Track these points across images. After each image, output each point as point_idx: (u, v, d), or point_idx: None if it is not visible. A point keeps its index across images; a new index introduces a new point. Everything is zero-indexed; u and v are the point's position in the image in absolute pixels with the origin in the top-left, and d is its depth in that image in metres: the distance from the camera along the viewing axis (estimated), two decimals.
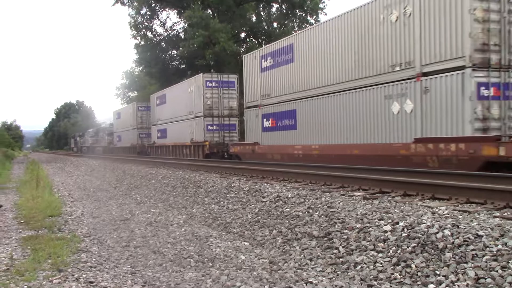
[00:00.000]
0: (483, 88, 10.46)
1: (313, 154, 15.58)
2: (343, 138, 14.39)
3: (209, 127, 24.74)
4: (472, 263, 4.23)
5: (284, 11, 42.56)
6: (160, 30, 44.51)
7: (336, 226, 6.14)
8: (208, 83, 24.64)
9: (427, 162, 11.11)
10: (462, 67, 10.43)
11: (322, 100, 15.39)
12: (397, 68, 12.33)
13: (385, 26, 12.69)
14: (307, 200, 7.71)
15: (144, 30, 43.19)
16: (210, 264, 5.68)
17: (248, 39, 44.00)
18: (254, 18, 42.10)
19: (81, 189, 15.67)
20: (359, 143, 13.59)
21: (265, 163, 15.45)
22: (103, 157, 37.28)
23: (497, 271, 3.97)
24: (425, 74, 11.42)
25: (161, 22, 44.32)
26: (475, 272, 4.05)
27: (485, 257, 4.22)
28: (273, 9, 43.76)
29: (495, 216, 5.53)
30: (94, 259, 5.96)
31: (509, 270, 3.93)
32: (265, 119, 19.23)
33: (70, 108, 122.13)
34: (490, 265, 4.08)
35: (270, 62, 18.98)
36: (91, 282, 4.89)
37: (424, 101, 11.45)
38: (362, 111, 13.52)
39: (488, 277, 3.93)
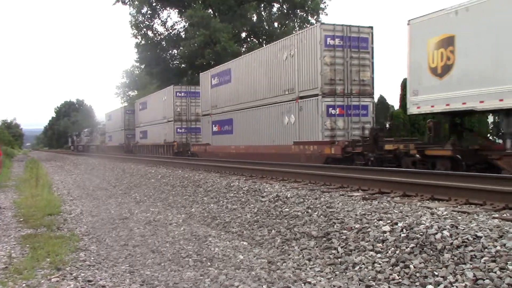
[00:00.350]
0: (331, 108, 15.70)
1: (241, 153, 20.72)
2: (257, 141, 19.67)
3: (178, 130, 29.75)
4: (471, 264, 4.22)
5: (285, 11, 42.59)
6: (161, 29, 44.45)
7: (335, 226, 6.13)
8: (178, 93, 29.87)
9: (300, 158, 16.14)
10: (317, 95, 15.70)
11: (247, 112, 20.64)
12: (287, 92, 17.49)
13: (280, 62, 17.92)
14: (306, 200, 7.70)
15: (145, 29, 43.21)
16: (209, 263, 5.67)
17: (249, 39, 44.03)
18: (255, 18, 42.09)
19: (80, 187, 15.66)
20: (265, 144, 18.99)
21: (264, 163, 15.85)
22: (101, 155, 37.56)
23: (495, 272, 3.97)
24: (301, 98, 16.66)
25: (162, 21, 44.28)
26: (474, 273, 4.05)
27: (484, 258, 4.22)
28: (274, 9, 43.85)
29: (494, 217, 5.53)
30: (92, 258, 5.96)
31: (508, 272, 3.93)
32: (213, 125, 24.32)
33: (70, 107, 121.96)
34: (489, 266, 4.08)
35: (217, 81, 24.11)
36: (89, 281, 4.89)
37: (300, 116, 16.71)
38: (268, 122, 18.86)
39: (487, 278, 3.93)
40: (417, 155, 12.42)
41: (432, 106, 12.06)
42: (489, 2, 10.73)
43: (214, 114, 24.22)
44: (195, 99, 29.05)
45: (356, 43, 16.05)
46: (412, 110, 12.81)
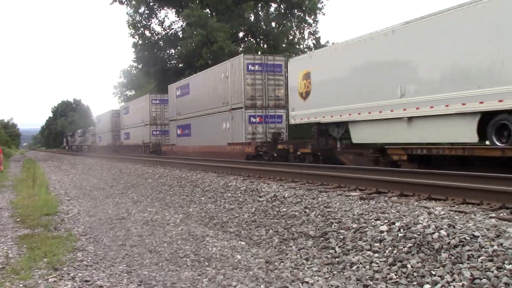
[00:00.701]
0: (252, 117, 20.86)
1: (197, 151, 25.67)
2: (206, 142, 24.78)
3: (153, 132, 34.93)
4: (468, 263, 4.23)
5: (283, 11, 42.60)
6: (158, 29, 44.42)
7: (333, 226, 6.14)
8: (153, 101, 34.95)
9: (234, 156, 20.69)
10: (242, 107, 20.88)
11: (200, 119, 25.75)
12: (224, 105, 22.51)
13: (220, 81, 23.08)
14: (303, 200, 7.71)
15: (142, 29, 43.21)
16: (207, 263, 5.67)
17: (246, 39, 44.02)
18: (252, 18, 42.08)
19: (77, 187, 15.64)
20: (211, 145, 24.09)
21: (263, 163, 16.17)
22: (97, 155, 37.82)
23: (492, 272, 3.97)
24: (233, 109, 21.66)
25: (159, 21, 44.32)
26: (471, 273, 4.05)
27: (481, 258, 4.23)
28: (272, 9, 43.82)
29: (491, 217, 5.55)
30: (90, 258, 5.95)
31: (505, 271, 3.94)
32: (178, 129, 29.56)
33: (67, 107, 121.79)
34: (486, 265, 4.09)
35: (180, 92, 29.41)
36: (86, 281, 4.88)
37: (232, 123, 21.76)
38: (213, 127, 23.78)
39: (484, 278, 3.93)
40: (297, 152, 17.30)
41: (301, 119, 17.63)
42: (323, 52, 18.55)
43: (178, 120, 29.45)
44: (167, 106, 33.18)
45: (272, 68, 21.20)
46: (291, 121, 18.62)
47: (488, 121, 10.66)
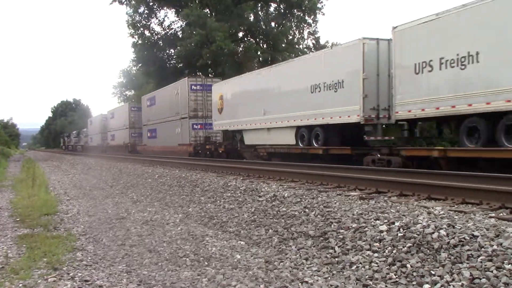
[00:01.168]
0: (195, 125, 27.46)
1: (160, 150, 32.05)
2: (166, 143, 31.56)
3: (132, 134, 41.27)
4: (468, 263, 4.23)
5: (282, 10, 42.56)
6: (157, 28, 44.34)
7: (332, 226, 6.14)
8: (132, 108, 41.80)
9: (182, 154, 27.07)
10: (187, 117, 27.47)
11: (162, 125, 32.77)
12: (177, 115, 29.19)
13: (174, 96, 29.41)
14: (303, 200, 7.71)
15: (141, 29, 43.14)
16: (206, 263, 5.67)
17: (246, 39, 43.99)
18: (252, 18, 42.04)
19: (77, 187, 15.63)
20: (168, 145, 30.61)
21: (262, 162, 16.23)
22: (97, 155, 38.12)
23: (492, 272, 3.98)
24: (182, 118, 28.32)
25: (159, 20, 44.20)
26: (470, 272, 4.06)
27: (480, 258, 4.23)
28: (271, 9, 43.76)
29: (490, 217, 5.55)
30: (89, 258, 5.95)
31: (504, 271, 3.94)
32: (148, 132, 36.78)
33: (67, 107, 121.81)
34: (485, 265, 4.09)
35: (149, 103, 36.73)
36: (86, 281, 4.88)
37: (182, 129, 28.21)
38: (170, 132, 30.57)
39: (483, 278, 3.94)
40: (219, 151, 24.27)
41: (219, 127, 24.82)
42: (230, 80, 24.06)
43: (148, 125, 36.66)
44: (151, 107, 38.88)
45: (209, 87, 26.79)
46: (214, 128, 25.74)
47: (298, 130, 17.56)
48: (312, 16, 42.22)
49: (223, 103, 23.53)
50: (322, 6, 41.63)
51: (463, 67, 11.03)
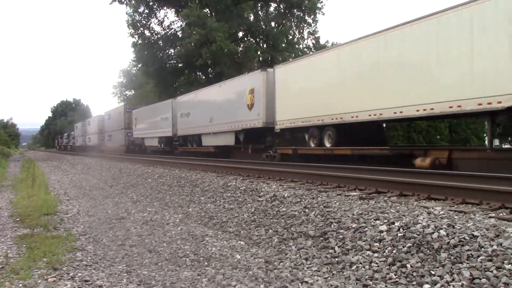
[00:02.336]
0: (129, 134, 40.01)
1: (112, 149, 42.06)
2: (115, 144, 43.56)
3: (100, 138, 50.55)
4: (467, 263, 4.23)
5: (282, 10, 42.55)
6: (157, 28, 44.29)
7: (332, 226, 6.14)
8: (100, 119, 50.96)
9: (122, 151, 39.44)
10: (123, 129, 40.79)
11: (113, 132, 44.52)
12: (119, 127, 42.16)
13: (118, 114, 41.98)
14: (303, 200, 7.71)
15: (141, 29, 43.07)
16: (206, 263, 5.67)
17: (245, 38, 43.98)
18: (252, 18, 42.04)
19: (77, 187, 15.64)
20: (116, 146, 42.93)
21: (262, 162, 16.21)
22: (97, 155, 38.27)
23: (492, 272, 3.98)
24: (123, 129, 40.73)
25: (158, 20, 44.13)
26: (470, 273, 4.06)
27: (480, 258, 4.23)
28: (271, 9, 43.74)
29: (490, 217, 5.55)
30: (89, 258, 5.95)
31: (504, 271, 3.94)
32: (107, 137, 46.64)
33: (67, 106, 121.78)
34: (485, 265, 4.09)
35: (107, 116, 47.59)
36: (86, 281, 4.88)
37: (123, 135, 40.80)
38: (116, 137, 43.73)
39: (483, 278, 3.94)
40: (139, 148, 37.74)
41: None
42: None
43: (107, 132, 47.23)
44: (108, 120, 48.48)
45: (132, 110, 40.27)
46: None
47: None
48: (312, 16, 42.20)
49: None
50: (322, 6, 41.64)
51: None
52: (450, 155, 11.80)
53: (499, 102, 9.96)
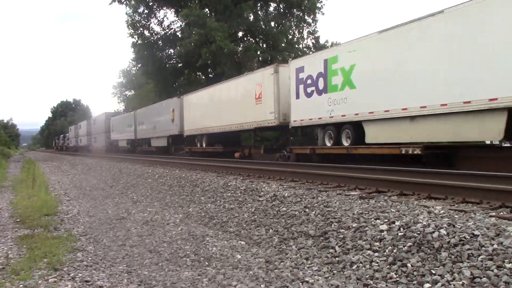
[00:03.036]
0: (108, 136, 46.45)
1: (97, 149, 50.12)
2: (99, 145, 50.52)
3: (88, 139, 56.24)
4: (468, 262, 4.23)
5: (282, 10, 42.52)
6: (157, 28, 44.26)
7: (333, 226, 6.14)
8: (88, 123, 57.07)
9: (103, 150, 47.01)
10: (104, 132, 47.69)
11: (97, 135, 51.67)
12: (101, 130, 49.34)
13: (100, 121, 49.75)
14: (303, 200, 7.71)
15: (141, 29, 43.05)
16: (207, 263, 5.67)
17: (245, 38, 43.96)
18: (251, 17, 42.02)
19: (77, 188, 15.63)
20: (100, 146, 50.78)
21: (262, 162, 16.19)
22: (97, 156, 38.41)
23: (492, 271, 3.97)
24: (103, 132, 48.52)
25: (158, 20, 44.12)
26: (471, 272, 4.06)
27: (481, 257, 4.23)
28: (271, 8, 43.71)
29: (491, 216, 5.55)
30: (90, 258, 5.95)
31: (505, 270, 3.94)
32: (93, 139, 53.44)
33: (67, 107, 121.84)
34: (486, 264, 4.09)
35: (92, 122, 55.38)
36: (87, 281, 4.88)
37: (104, 137, 48.01)
38: (99, 139, 50.95)
39: (484, 277, 3.94)
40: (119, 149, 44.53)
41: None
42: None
43: (93, 135, 53.29)
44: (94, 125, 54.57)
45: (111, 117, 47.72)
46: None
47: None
48: (312, 16, 42.18)
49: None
50: (321, 5, 41.62)
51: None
52: None
53: None
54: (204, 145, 25.28)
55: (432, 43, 11.43)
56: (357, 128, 14.35)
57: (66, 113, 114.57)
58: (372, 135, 13.66)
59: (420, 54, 11.79)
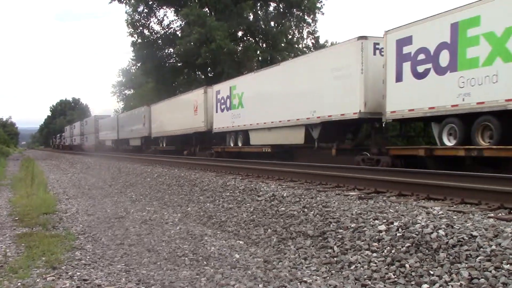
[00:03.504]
0: (97, 136, 51.24)
1: (88, 148, 54.37)
2: (89, 143, 54.78)
3: (81, 139, 59.72)
4: (466, 263, 4.23)
5: (282, 10, 42.55)
6: (157, 27, 44.26)
7: (331, 226, 6.14)
8: (81, 124, 59.96)
9: (92, 149, 51.04)
10: (93, 133, 52.30)
11: (88, 135, 56.05)
12: (91, 131, 54.23)
13: (90, 124, 55.11)
14: (302, 199, 7.71)
15: (141, 28, 43.05)
16: (205, 262, 5.67)
17: (245, 38, 43.98)
18: (251, 17, 42.03)
19: (76, 186, 15.63)
20: (90, 145, 53.84)
21: (261, 162, 15.96)
22: (93, 154, 38.67)
23: (490, 272, 3.98)
24: (92, 133, 53.73)
25: (158, 20, 44.11)
26: (469, 272, 4.06)
27: (479, 258, 4.23)
28: (271, 8, 43.74)
29: (489, 217, 5.55)
30: (88, 257, 5.94)
31: (503, 271, 3.94)
32: (85, 138, 57.55)
33: (66, 105, 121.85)
34: (484, 265, 4.09)
35: (84, 123, 58.77)
36: (85, 280, 4.87)
37: (94, 137, 52.72)
38: (90, 138, 55.38)
39: (482, 278, 3.94)
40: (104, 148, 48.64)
41: (103, 138, 49.26)
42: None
43: (85, 135, 56.86)
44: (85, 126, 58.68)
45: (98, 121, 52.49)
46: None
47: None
48: (312, 16, 42.22)
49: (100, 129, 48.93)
50: (321, 5, 41.65)
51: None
52: None
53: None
54: (164, 145, 31.60)
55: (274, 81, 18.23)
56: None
57: (65, 112, 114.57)
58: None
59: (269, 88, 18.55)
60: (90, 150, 48.70)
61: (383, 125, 14.51)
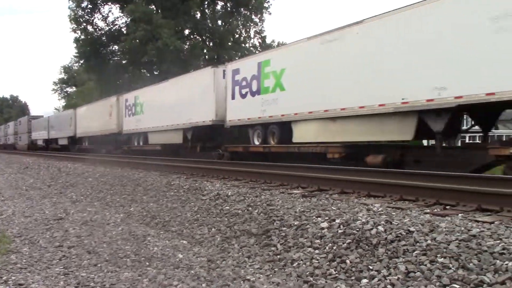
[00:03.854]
0: (30, 136, 50.19)
1: (21, 147, 52.24)
2: (22, 143, 53.83)
3: (15, 138, 58.58)
4: (403, 257, 4.37)
5: (229, 9, 42.55)
6: (101, 24, 43.11)
7: (275, 224, 6.18)
8: (15, 123, 59.19)
9: (26, 148, 50.50)
10: (27, 132, 51.32)
11: (21, 134, 54.02)
12: (24, 130, 52.74)
13: (23, 123, 53.81)
14: (247, 198, 7.73)
15: (84, 24, 41.79)
16: (147, 263, 5.57)
17: (192, 36, 43.62)
18: (198, 15, 41.75)
19: (12, 187, 14.96)
20: (23, 144, 53.80)
21: (206, 161, 16.07)
22: (36, 154, 37.05)
23: (426, 265, 4.11)
24: (25, 132, 52.60)
25: (102, 16, 42.96)
26: (406, 266, 4.19)
27: (415, 252, 4.38)
28: (218, 7, 43.65)
29: (425, 213, 5.77)
30: (24, 260, 5.70)
31: (437, 264, 4.09)
32: (18, 138, 56.33)
33: (3, 103, 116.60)
34: (420, 259, 4.23)
35: (18, 123, 57.13)
36: (20, 284, 4.67)
37: (26, 137, 51.50)
38: (23, 138, 53.67)
39: (418, 271, 4.07)
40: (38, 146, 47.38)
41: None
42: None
43: (18, 134, 55.90)
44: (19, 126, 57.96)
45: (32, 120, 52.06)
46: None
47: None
48: (259, 15, 42.48)
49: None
50: (268, 5, 41.98)
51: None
52: None
53: None
54: (87, 144, 34.57)
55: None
56: None
57: (2, 110, 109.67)
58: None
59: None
60: (23, 149, 51.39)
61: (228, 130, 18.62)
